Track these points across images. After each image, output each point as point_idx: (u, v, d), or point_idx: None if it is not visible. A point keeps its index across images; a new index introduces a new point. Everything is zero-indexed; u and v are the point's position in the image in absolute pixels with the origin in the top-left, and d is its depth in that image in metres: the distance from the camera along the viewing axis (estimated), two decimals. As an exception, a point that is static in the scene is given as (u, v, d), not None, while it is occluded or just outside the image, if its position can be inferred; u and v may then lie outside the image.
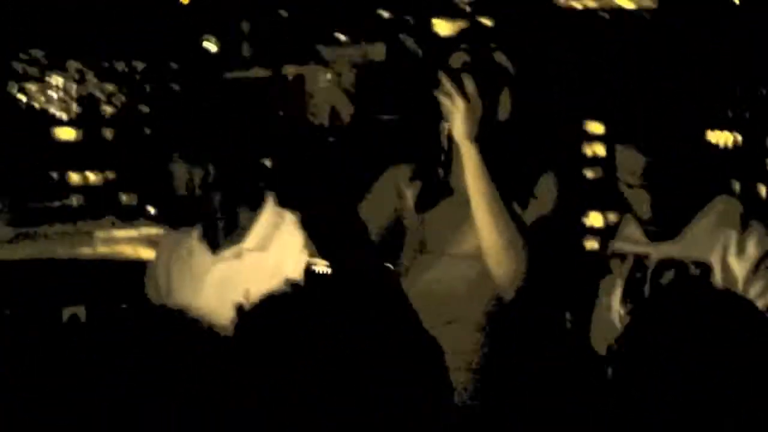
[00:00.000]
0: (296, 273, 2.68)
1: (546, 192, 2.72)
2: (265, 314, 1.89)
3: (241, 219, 2.79)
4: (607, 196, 2.95)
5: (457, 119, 2.60)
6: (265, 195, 2.77)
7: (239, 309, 1.94)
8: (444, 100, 2.66)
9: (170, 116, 2.90)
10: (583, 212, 2.86)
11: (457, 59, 2.71)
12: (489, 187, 2.63)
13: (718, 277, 2.70)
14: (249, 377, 1.85)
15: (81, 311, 2.50)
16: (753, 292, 2.69)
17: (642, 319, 2.03)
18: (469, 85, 2.58)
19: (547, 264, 2.70)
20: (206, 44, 32.69)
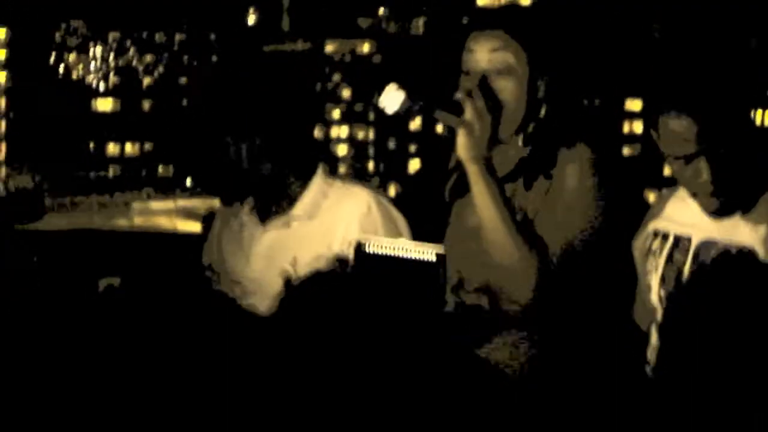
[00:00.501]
0: (345, 244, 2.64)
1: (574, 166, 2.67)
2: (310, 292, 1.87)
3: (292, 190, 2.79)
4: (645, 174, 2.91)
5: (461, 140, 2.56)
6: (316, 165, 2.76)
7: (287, 282, 1.94)
8: (447, 121, 2.63)
9: (212, 90, 2.88)
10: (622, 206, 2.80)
11: (463, 85, 2.66)
12: (496, 208, 2.57)
13: (763, 262, 2.66)
14: (291, 353, 1.84)
15: (116, 282, 2.50)
16: None
17: (679, 305, 2.01)
18: (468, 109, 2.52)
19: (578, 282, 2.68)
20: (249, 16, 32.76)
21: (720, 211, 2.63)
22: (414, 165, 29.93)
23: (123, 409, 1.83)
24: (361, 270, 1.93)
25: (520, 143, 2.65)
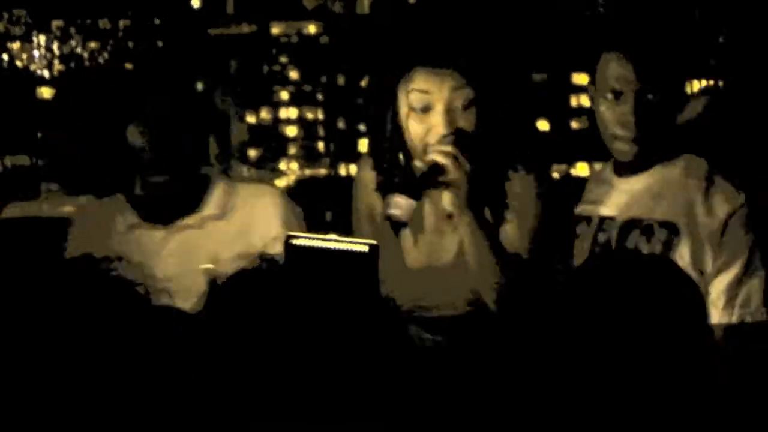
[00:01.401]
0: (267, 240, 2.63)
1: (523, 190, 2.72)
2: (236, 288, 1.88)
3: (184, 192, 2.75)
4: (593, 146, 2.95)
5: (445, 199, 2.61)
6: (211, 171, 2.75)
7: (212, 280, 1.93)
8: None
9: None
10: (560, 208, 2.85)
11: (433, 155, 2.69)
12: (486, 251, 2.64)
13: (684, 238, 2.68)
14: (218, 352, 1.84)
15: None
16: (724, 254, 2.66)
17: (578, 278, 2.05)
18: (451, 169, 2.55)
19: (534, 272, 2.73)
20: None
21: (634, 164, 2.67)
22: (364, 145, 29.94)
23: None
24: (292, 264, 1.96)
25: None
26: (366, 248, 1.98)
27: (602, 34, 2.73)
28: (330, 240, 2.01)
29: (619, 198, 2.70)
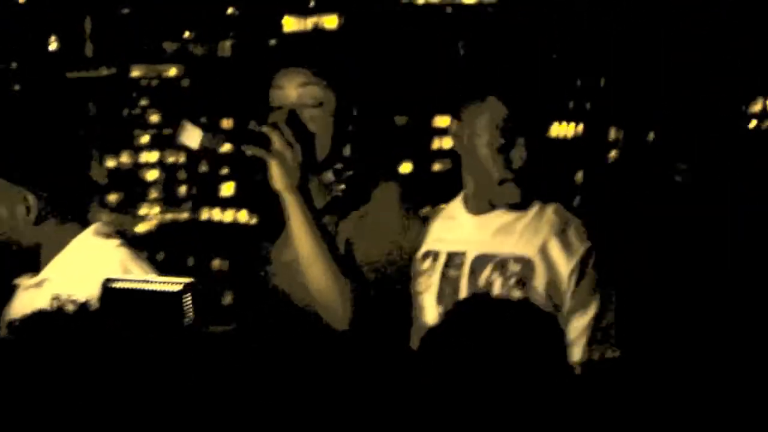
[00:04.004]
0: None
1: (387, 199, 2.73)
2: (29, 333, 1.86)
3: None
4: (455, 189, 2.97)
5: (273, 172, 2.58)
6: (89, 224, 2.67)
7: (10, 325, 1.89)
8: (256, 153, 2.64)
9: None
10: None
11: (272, 117, 2.70)
12: (313, 236, 2.61)
13: (539, 273, 2.71)
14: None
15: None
16: (583, 291, 2.71)
17: (454, 319, 2.06)
18: (277, 140, 2.55)
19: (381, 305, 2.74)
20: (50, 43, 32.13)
21: (518, 204, 2.70)
22: (227, 188, 29.76)
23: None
24: (106, 306, 1.96)
25: (331, 176, 2.69)
26: (179, 287, 2.00)
27: (474, 79, 2.75)
28: (147, 281, 2.02)
29: (468, 234, 2.72)
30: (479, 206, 2.67)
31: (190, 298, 1.98)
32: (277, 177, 2.55)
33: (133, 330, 1.74)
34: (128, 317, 1.87)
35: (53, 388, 1.73)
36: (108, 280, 1.99)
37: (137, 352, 1.73)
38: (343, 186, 2.70)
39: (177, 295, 1.98)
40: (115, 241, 2.64)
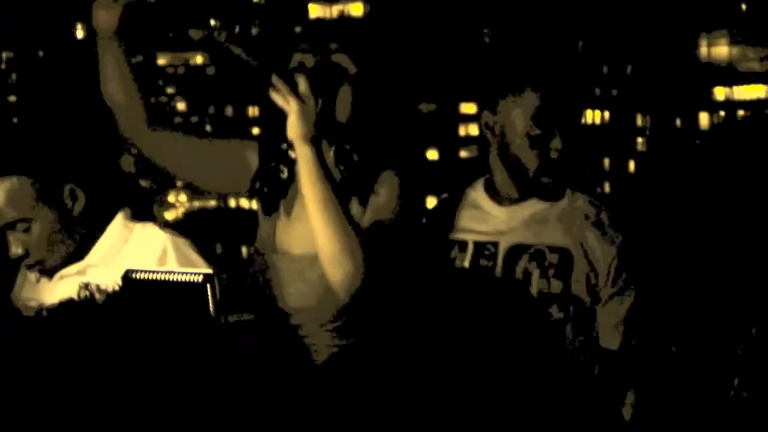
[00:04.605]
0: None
1: (387, 188, 2.69)
2: (61, 320, 1.86)
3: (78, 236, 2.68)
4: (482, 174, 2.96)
5: (291, 120, 2.55)
6: (119, 210, 2.67)
7: (38, 312, 1.89)
8: (278, 101, 2.60)
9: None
10: (424, 205, 2.85)
11: (294, 60, 2.67)
12: (324, 190, 2.56)
13: (579, 262, 2.71)
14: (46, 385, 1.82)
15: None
16: (619, 282, 2.71)
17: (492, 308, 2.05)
18: (302, 84, 2.51)
19: (389, 264, 2.69)
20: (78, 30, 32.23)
21: (550, 193, 2.68)
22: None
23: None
24: (130, 297, 1.96)
25: (331, 155, 2.67)
26: (200, 278, 2.00)
27: (507, 70, 2.74)
28: (168, 272, 2.03)
29: (498, 224, 2.71)
30: (509, 195, 2.65)
31: (210, 288, 1.99)
32: (293, 125, 2.52)
33: (155, 321, 1.74)
34: (150, 308, 1.88)
35: (75, 376, 1.74)
36: (129, 271, 2.00)
37: (160, 343, 1.74)
38: (342, 168, 2.68)
39: (199, 286, 1.99)
40: (153, 225, 2.65)
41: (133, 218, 2.68)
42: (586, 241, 2.65)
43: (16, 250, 2.56)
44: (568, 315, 2.50)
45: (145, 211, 2.77)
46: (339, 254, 2.56)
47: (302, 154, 2.52)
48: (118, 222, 2.66)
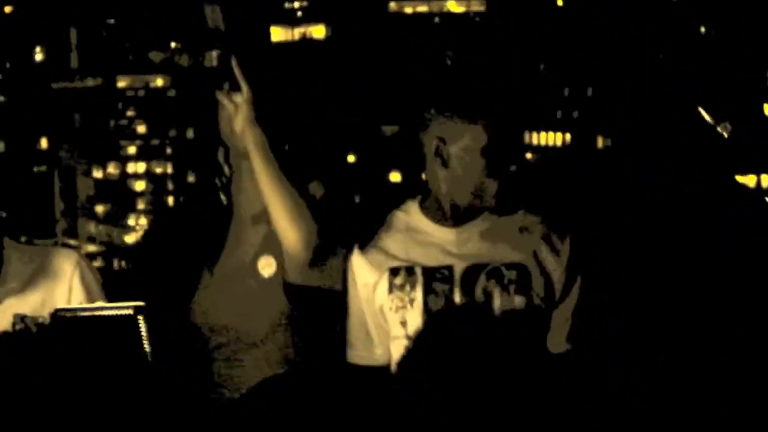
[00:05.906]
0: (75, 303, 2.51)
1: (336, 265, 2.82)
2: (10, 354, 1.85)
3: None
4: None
5: (243, 107, 2.71)
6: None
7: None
8: (223, 99, 2.75)
9: None
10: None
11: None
12: (275, 165, 2.74)
13: (536, 277, 2.75)
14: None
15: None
16: (569, 289, 2.77)
17: (454, 330, 2.03)
18: (235, 67, 2.70)
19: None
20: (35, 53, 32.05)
21: (463, 214, 2.67)
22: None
23: None
24: (60, 334, 1.94)
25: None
26: (130, 311, 2.01)
27: (461, 96, 2.71)
28: (97, 308, 2.03)
29: (447, 246, 2.70)
30: (444, 217, 2.64)
31: (143, 320, 1.98)
32: (246, 110, 2.59)
33: (89, 357, 1.71)
34: (83, 344, 1.86)
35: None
36: (58, 310, 1.98)
37: (95, 377, 1.71)
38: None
39: (130, 319, 1.99)
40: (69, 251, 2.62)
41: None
42: (540, 256, 2.64)
43: None
44: (535, 327, 2.51)
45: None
46: (296, 216, 2.64)
47: (256, 134, 2.61)
48: (8, 245, 2.59)
